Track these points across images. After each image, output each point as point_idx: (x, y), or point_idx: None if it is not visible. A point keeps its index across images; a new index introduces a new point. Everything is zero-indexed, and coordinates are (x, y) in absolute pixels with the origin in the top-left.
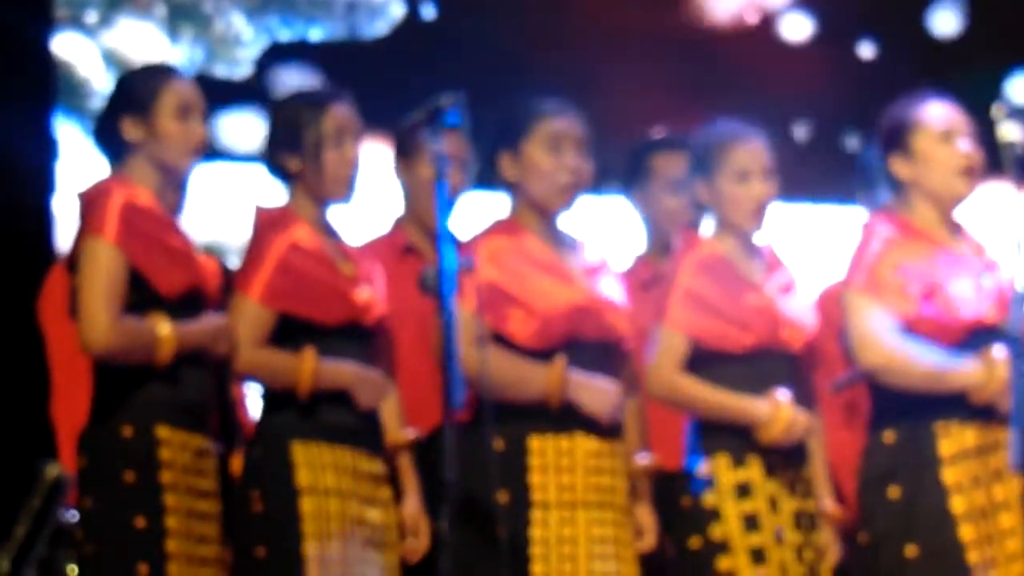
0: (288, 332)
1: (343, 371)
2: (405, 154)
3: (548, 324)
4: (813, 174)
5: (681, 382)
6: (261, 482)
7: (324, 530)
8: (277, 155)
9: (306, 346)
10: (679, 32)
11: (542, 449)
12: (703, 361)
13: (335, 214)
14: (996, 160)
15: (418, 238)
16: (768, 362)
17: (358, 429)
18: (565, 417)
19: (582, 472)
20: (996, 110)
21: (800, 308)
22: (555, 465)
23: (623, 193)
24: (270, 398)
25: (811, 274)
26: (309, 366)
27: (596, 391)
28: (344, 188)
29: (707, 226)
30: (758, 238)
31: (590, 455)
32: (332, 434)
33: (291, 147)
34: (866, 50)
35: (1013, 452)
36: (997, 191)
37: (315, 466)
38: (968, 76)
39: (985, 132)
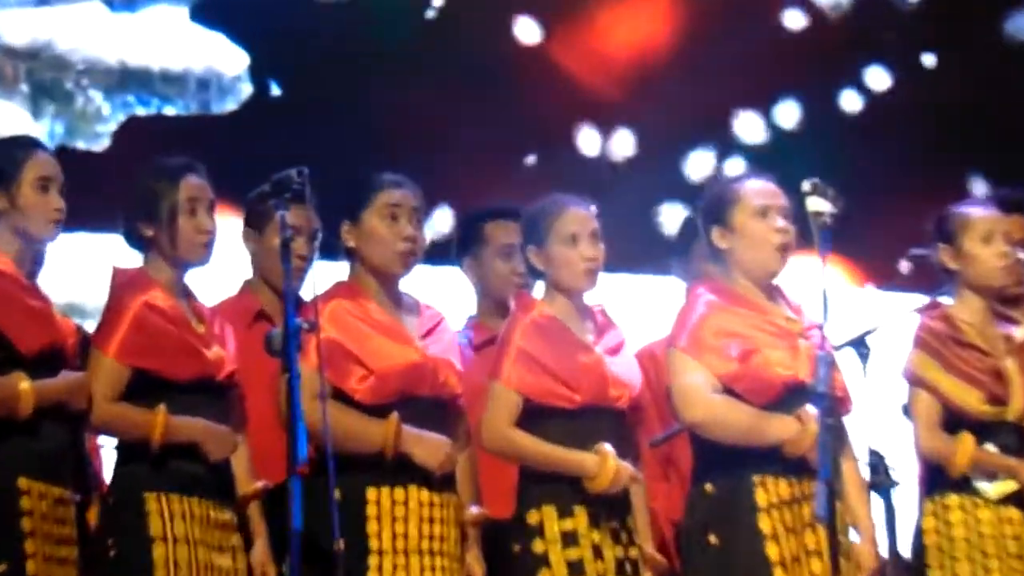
0: (144, 387)
1: (193, 425)
2: (254, 223)
3: (384, 381)
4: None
5: (513, 435)
6: (115, 530)
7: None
8: (134, 223)
9: (159, 402)
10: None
11: (378, 499)
12: (535, 416)
13: (190, 277)
14: (808, 232)
15: (267, 301)
16: (595, 418)
17: (208, 480)
18: (399, 469)
19: (415, 521)
20: (805, 185)
21: (627, 367)
22: (390, 514)
23: (454, 261)
24: (124, 450)
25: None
26: (160, 420)
27: (428, 445)
28: (199, 252)
29: (539, 289)
30: (589, 299)
31: (423, 505)
32: (183, 485)
33: (147, 216)
34: None
35: (817, 503)
36: (808, 262)
37: (166, 516)
38: None
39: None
